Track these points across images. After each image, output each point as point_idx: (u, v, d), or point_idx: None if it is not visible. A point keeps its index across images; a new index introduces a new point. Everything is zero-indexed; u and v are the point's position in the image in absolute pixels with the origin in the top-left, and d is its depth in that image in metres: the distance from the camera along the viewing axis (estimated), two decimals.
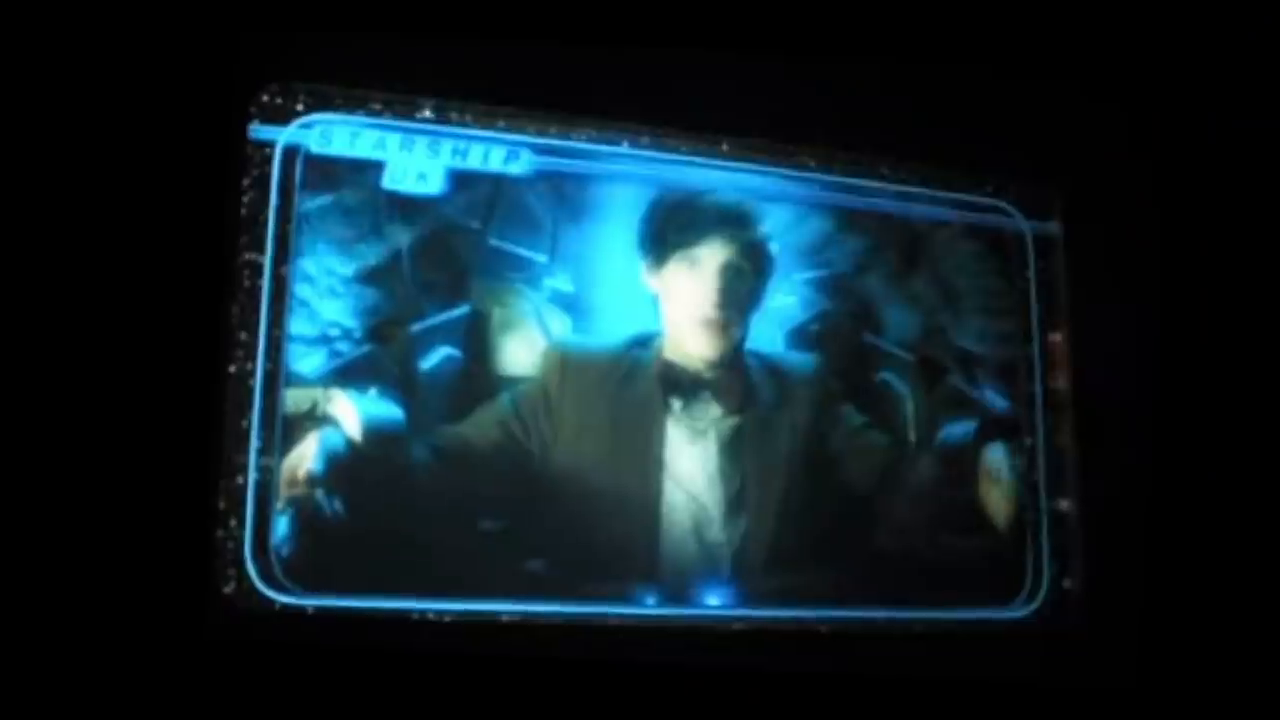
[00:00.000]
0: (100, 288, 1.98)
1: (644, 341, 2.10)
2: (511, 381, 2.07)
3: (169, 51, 2.00)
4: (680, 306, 2.09)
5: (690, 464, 2.08)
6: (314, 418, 1.98)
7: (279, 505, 1.97)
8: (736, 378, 2.11)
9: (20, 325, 1.96)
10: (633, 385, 2.08)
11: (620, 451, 2.07)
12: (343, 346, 2.01)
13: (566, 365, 2.08)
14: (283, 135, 2.01)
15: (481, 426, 2.04)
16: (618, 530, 2.05)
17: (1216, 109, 2.07)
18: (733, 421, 2.10)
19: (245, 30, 2.02)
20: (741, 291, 2.09)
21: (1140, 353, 2.07)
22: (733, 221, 2.09)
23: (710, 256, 2.08)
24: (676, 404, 2.09)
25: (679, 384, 2.09)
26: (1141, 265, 2.08)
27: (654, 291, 2.11)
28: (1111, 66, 2.09)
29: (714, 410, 2.10)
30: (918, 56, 2.08)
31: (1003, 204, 2.13)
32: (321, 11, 2.04)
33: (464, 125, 2.06)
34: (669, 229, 2.09)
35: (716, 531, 2.07)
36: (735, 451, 2.09)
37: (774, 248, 2.12)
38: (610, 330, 2.10)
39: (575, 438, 2.05)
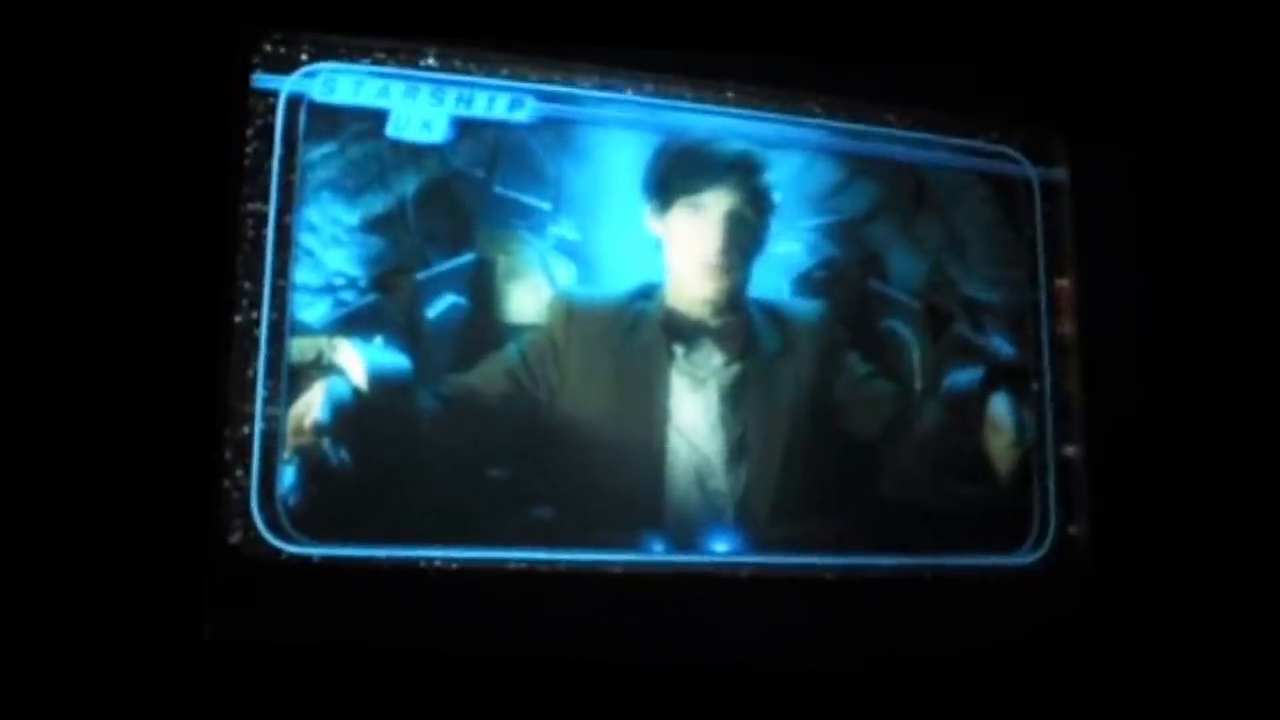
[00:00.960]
0: (104, 240, 1.97)
1: (648, 293, 2.10)
2: (518, 330, 2.06)
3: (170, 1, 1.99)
4: (684, 252, 2.09)
5: (692, 412, 2.08)
6: (320, 367, 1.98)
7: (285, 455, 1.97)
8: (738, 325, 2.10)
9: (24, 279, 1.96)
10: (637, 335, 2.08)
11: (625, 400, 2.07)
12: (348, 295, 2.01)
13: (572, 315, 2.08)
14: (286, 84, 2.00)
15: (489, 375, 2.04)
16: (623, 478, 2.05)
17: (1223, 52, 2.06)
18: (734, 369, 2.09)
19: None
20: (744, 238, 2.08)
21: (1146, 298, 2.06)
22: (738, 168, 2.08)
23: (715, 203, 2.07)
24: (679, 351, 2.09)
25: (681, 331, 2.09)
26: (1147, 210, 2.07)
27: (657, 237, 2.10)
28: (1117, 12, 2.07)
29: (716, 358, 2.09)
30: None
31: (1009, 150, 2.12)
32: None
33: (468, 73, 2.04)
34: (674, 175, 2.08)
35: (719, 480, 2.08)
36: (737, 400, 2.09)
37: (777, 195, 2.10)
38: (615, 278, 2.10)
39: (581, 386, 2.05)
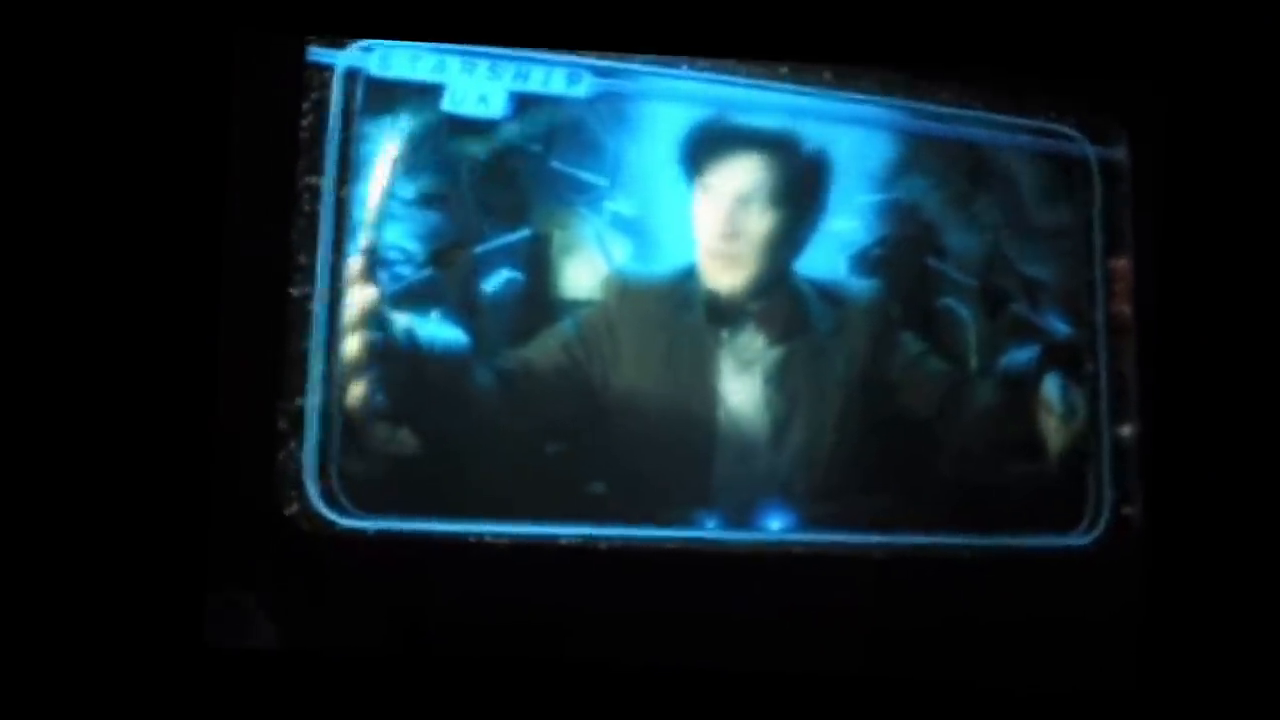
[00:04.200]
0: (162, 212, 1.98)
1: (691, 273, 2.09)
2: (573, 305, 2.06)
3: None
4: (703, 233, 2.07)
5: (740, 394, 2.07)
6: (375, 341, 1.99)
7: (340, 428, 1.98)
8: (780, 305, 2.09)
9: (86, 251, 1.97)
10: (686, 314, 2.08)
11: (676, 379, 2.06)
12: (404, 270, 2.01)
13: (626, 292, 2.07)
14: (341, 58, 2.00)
15: (544, 349, 2.03)
16: (675, 456, 2.05)
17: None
18: (780, 351, 2.08)
19: None
20: (759, 225, 2.05)
21: (1204, 280, 2.05)
22: (759, 146, 2.06)
23: (724, 185, 2.05)
24: (724, 333, 2.08)
25: (723, 314, 2.08)
26: (1208, 191, 2.05)
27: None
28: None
29: (758, 341, 2.08)
30: None
31: (1067, 129, 2.10)
32: None
33: (525, 47, 2.04)
34: (695, 154, 2.06)
35: (769, 458, 2.07)
36: (783, 380, 2.08)
37: (823, 171, 2.08)
38: (669, 255, 2.09)
39: (634, 363, 2.05)
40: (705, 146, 2.06)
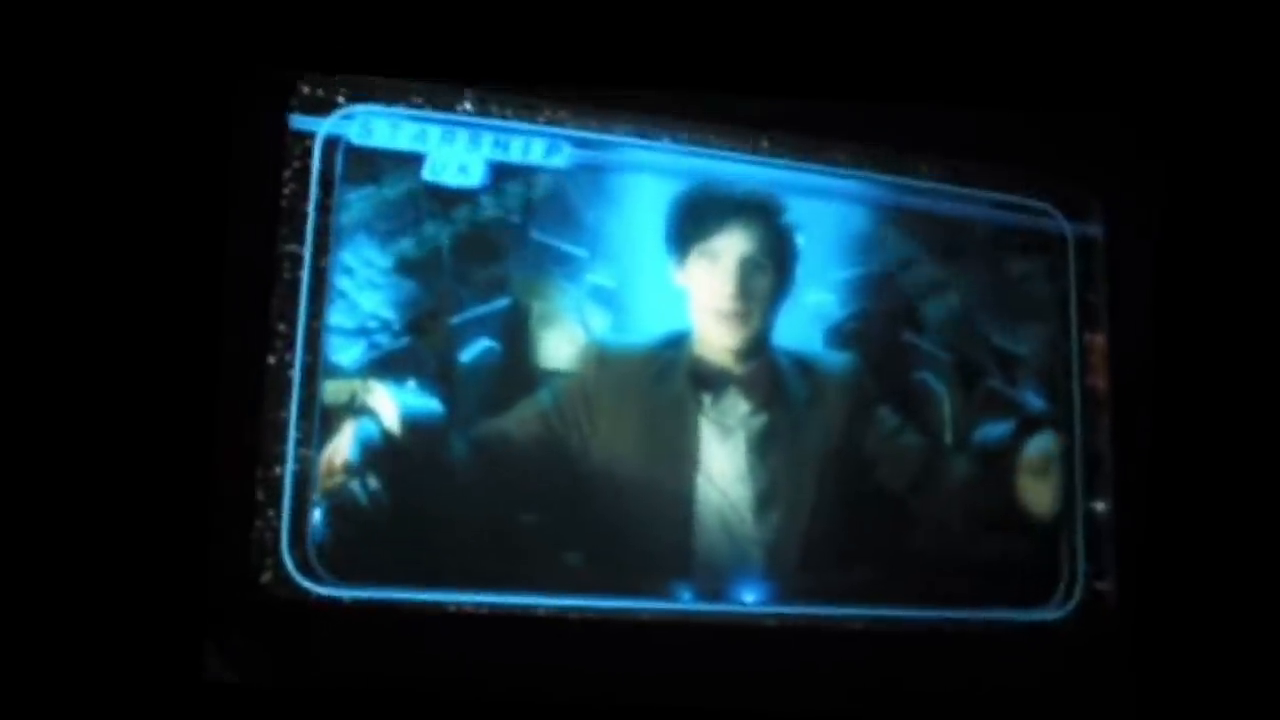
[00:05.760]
0: (141, 279, 1.98)
1: (676, 341, 2.11)
2: (551, 375, 2.07)
3: (208, 41, 1.99)
4: (703, 300, 2.10)
5: (721, 461, 2.08)
6: (352, 409, 1.99)
7: (316, 496, 1.97)
8: (763, 372, 2.11)
9: (60, 314, 1.96)
10: (666, 383, 2.09)
11: (655, 448, 2.07)
12: (382, 339, 2.02)
13: (604, 362, 2.08)
14: (323, 126, 2.01)
15: (521, 420, 2.04)
16: (653, 526, 2.05)
17: (1253, 113, 2.06)
18: (762, 419, 2.10)
19: (285, 21, 2.01)
20: (761, 284, 2.09)
21: (1178, 356, 2.06)
22: (750, 212, 2.09)
23: (728, 249, 2.08)
24: (706, 399, 2.09)
25: (707, 380, 2.09)
26: (1180, 268, 2.07)
27: (682, 287, 2.11)
28: (1144, 74, 2.07)
29: (742, 406, 2.10)
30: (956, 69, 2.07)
31: (1043, 204, 2.12)
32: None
33: (504, 118, 2.05)
34: (687, 223, 2.09)
35: (748, 529, 2.08)
36: (765, 449, 2.09)
37: (799, 239, 2.11)
38: (647, 326, 2.10)
39: (611, 433, 2.06)
40: (700, 214, 2.09)
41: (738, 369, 2.10)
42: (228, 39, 2.00)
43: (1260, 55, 2.03)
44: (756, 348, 2.11)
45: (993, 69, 2.06)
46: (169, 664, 1.94)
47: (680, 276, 2.11)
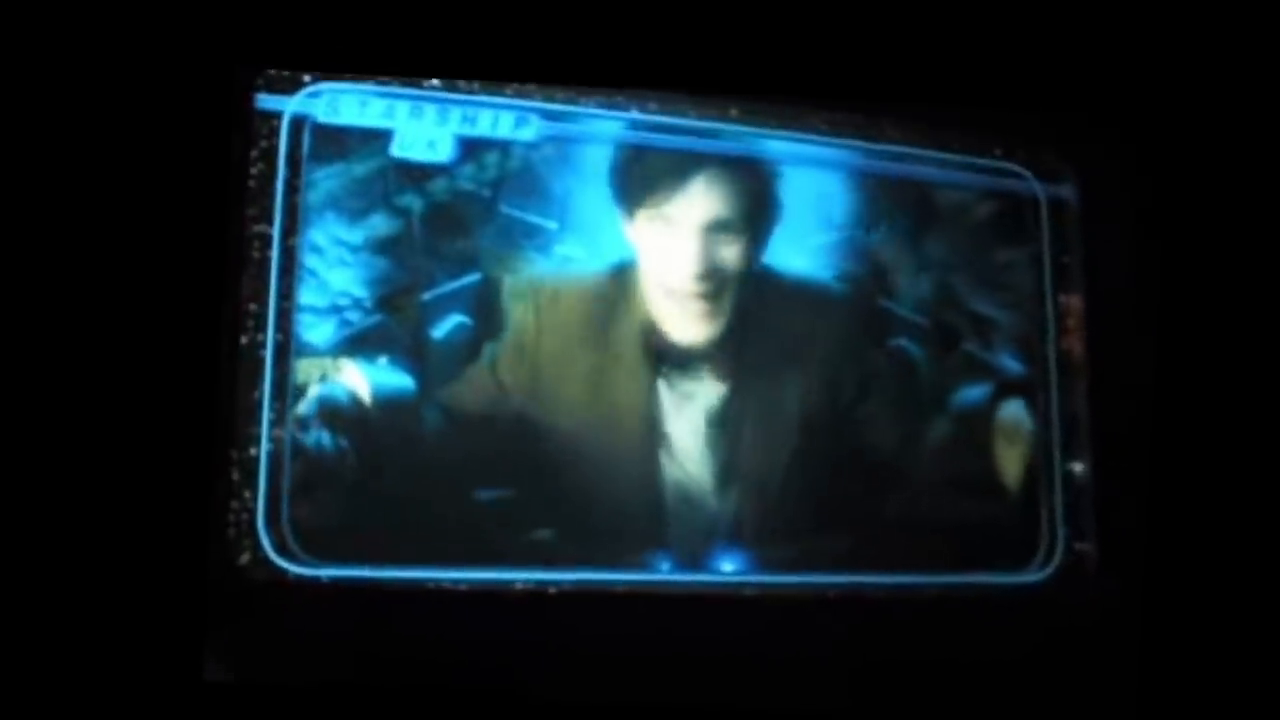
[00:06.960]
0: (108, 264, 1.97)
1: (621, 271, 2.04)
2: None
3: (173, 23, 1.98)
4: (655, 273, 2.02)
5: (684, 433, 2.05)
6: (325, 388, 1.98)
7: (291, 475, 1.97)
8: (727, 342, 2.05)
9: (27, 303, 1.96)
10: (614, 334, 2.04)
11: (611, 416, 2.03)
12: (353, 316, 2.01)
13: (541, 308, 2.03)
14: (289, 105, 2.00)
15: (470, 381, 2.02)
16: (620, 498, 2.03)
17: (1225, 75, 2.04)
18: (725, 388, 2.05)
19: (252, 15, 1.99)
20: (730, 254, 2.01)
21: (1155, 317, 2.05)
22: (715, 168, 2.01)
23: (684, 213, 1.99)
24: (665, 370, 2.05)
25: (666, 352, 2.04)
26: (1156, 228, 2.06)
27: (632, 245, 2.04)
28: (1115, 37, 2.06)
29: (704, 375, 2.05)
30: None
31: (1015, 167, 2.10)
32: None
33: (472, 92, 2.03)
34: (636, 181, 2.01)
35: (716, 499, 2.05)
36: (728, 419, 2.05)
37: (777, 199, 2.05)
38: None
39: (555, 389, 2.03)
40: (648, 172, 2.02)
41: (699, 339, 2.04)
42: (193, 32, 1.98)
43: (1231, 16, 2.01)
44: (719, 317, 2.03)
45: (963, 37, 2.05)
46: (160, 655, 1.96)
47: (631, 234, 2.03)
